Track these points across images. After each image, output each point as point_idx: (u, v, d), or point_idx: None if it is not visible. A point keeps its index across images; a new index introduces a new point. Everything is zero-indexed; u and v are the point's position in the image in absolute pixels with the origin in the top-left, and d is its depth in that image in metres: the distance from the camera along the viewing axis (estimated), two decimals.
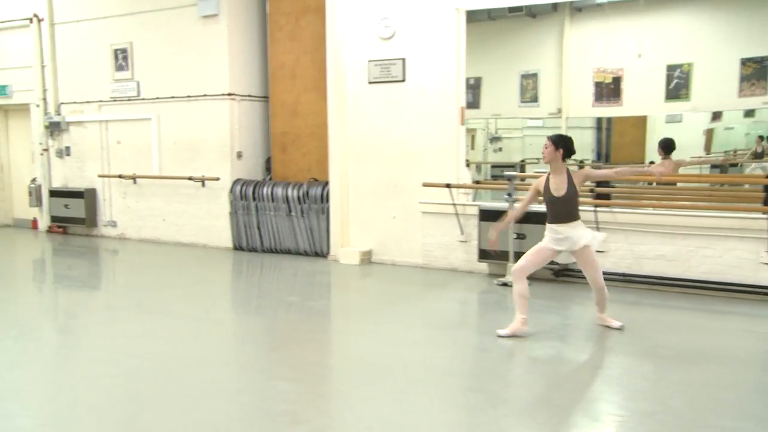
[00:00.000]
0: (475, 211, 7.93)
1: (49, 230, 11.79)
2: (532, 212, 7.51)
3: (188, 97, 9.97)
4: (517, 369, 4.94)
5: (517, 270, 5.39)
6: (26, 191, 12.17)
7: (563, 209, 5.32)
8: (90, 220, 11.20)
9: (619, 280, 7.16)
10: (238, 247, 9.73)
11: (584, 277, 5.59)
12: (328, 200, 8.89)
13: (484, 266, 7.95)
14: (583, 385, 4.54)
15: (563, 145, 5.29)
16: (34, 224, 12.25)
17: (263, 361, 5.13)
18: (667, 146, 7.84)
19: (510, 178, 7.40)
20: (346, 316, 6.59)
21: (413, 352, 5.10)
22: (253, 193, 9.42)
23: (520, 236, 7.47)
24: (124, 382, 4.53)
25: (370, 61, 8.49)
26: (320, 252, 9.03)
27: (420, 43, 8.20)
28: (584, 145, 11.55)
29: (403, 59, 8.29)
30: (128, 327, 5.99)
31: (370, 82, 8.52)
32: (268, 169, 10.10)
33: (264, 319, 6.44)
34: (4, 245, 11.18)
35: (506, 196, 7.39)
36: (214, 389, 4.38)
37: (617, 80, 10.69)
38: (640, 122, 11.43)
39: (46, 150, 11.63)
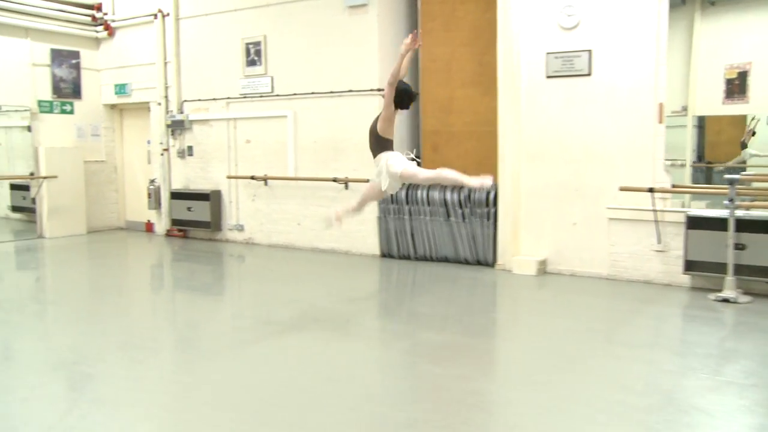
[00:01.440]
0: (676, 218, 7.19)
1: (168, 234, 11.31)
2: (753, 221, 6.74)
3: (330, 92, 9.37)
4: None
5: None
6: (139, 193, 11.77)
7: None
8: (215, 223, 10.68)
9: None
10: (386, 255, 9.10)
11: None
12: (494, 204, 8.21)
13: (685, 279, 7.18)
14: None
15: (399, 91, 5.50)
16: (148, 227, 11.80)
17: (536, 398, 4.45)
18: None
19: (732, 182, 6.63)
20: (572, 338, 5.81)
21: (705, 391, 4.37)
22: (406, 196, 8.78)
23: (739, 246, 6.69)
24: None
25: (548, 53, 7.77)
26: (483, 261, 8.34)
27: (610, 33, 7.46)
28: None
29: (590, 51, 7.56)
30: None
31: (549, 77, 7.81)
32: None
33: (471, 340, 5.77)
34: (124, 250, 10.72)
35: (727, 202, 6.62)
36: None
37: (743, 75, 9.89)
38: (738, 121, 10.65)
39: (166, 150, 11.17)
